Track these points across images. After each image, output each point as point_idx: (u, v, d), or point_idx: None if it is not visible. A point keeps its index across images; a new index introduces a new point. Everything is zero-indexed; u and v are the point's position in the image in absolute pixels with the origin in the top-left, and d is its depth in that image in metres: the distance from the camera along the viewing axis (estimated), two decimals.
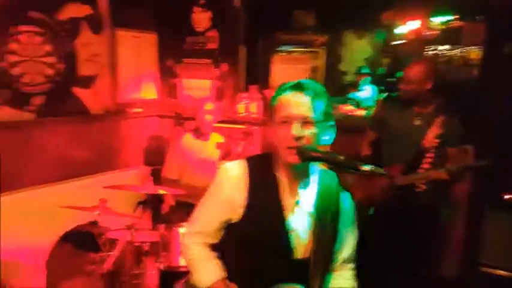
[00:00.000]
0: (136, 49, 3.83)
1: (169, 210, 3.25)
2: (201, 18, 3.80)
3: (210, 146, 3.24)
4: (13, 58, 2.89)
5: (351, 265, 1.54)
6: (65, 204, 2.67)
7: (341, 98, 4.84)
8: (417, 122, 2.59)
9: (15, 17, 2.89)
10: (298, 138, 1.31)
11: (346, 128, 2.92)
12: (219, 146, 3.21)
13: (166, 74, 4.08)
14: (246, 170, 1.44)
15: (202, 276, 1.48)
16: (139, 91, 3.94)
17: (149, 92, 4.04)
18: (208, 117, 3.14)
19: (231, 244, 1.49)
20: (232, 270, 1.48)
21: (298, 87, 1.35)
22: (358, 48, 5.62)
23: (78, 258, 3.16)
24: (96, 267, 3.02)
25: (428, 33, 4.44)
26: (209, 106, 3.15)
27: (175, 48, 3.97)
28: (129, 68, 3.79)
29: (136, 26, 3.79)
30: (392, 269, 2.71)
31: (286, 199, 1.42)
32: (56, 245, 3.13)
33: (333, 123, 1.40)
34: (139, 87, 3.94)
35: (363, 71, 5.32)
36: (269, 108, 1.42)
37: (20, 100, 2.99)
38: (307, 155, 1.30)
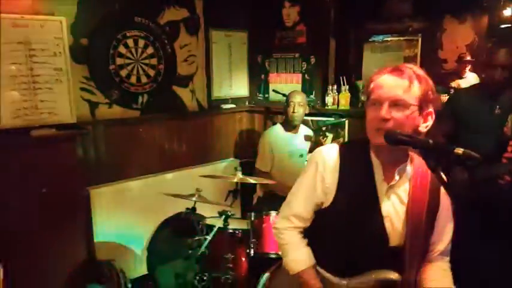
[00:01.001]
0: (228, 47, 4.01)
1: (257, 201, 3.36)
2: (290, 13, 3.84)
3: (299, 139, 3.28)
4: (121, 61, 3.23)
5: (447, 258, 1.48)
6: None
7: (441, 87, 4.54)
8: (497, 110, 2.40)
9: (123, 23, 3.21)
10: (386, 120, 1.28)
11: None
12: (307, 138, 3.24)
13: (256, 70, 4.21)
14: (338, 154, 1.45)
15: (294, 261, 1.51)
16: (231, 87, 4.12)
17: (240, 88, 4.21)
18: (298, 110, 3.17)
19: (323, 230, 1.50)
20: (322, 258, 1.50)
21: (395, 70, 1.33)
22: (458, 34, 5.21)
23: (176, 243, 3.44)
24: (193, 252, 3.26)
25: None
26: (298, 99, 3.19)
27: (265, 44, 4.08)
28: (222, 65, 3.99)
29: (228, 25, 3.97)
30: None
31: (380, 184, 1.40)
32: (156, 230, 3.44)
33: (430, 110, 1.34)
34: (231, 83, 4.12)
35: (465, 58, 4.92)
36: (365, 92, 1.42)
37: (127, 99, 3.33)
38: (394, 138, 1.26)
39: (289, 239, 1.55)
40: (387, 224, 1.39)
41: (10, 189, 2.45)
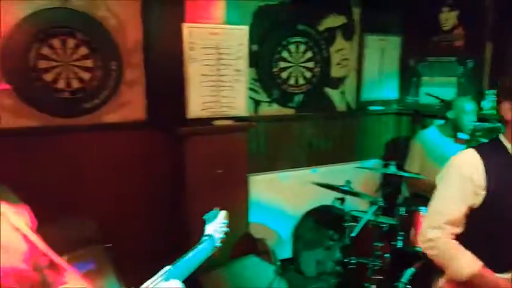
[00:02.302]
0: (381, 51, 4.16)
1: (403, 201, 3.42)
2: (449, 17, 3.82)
3: (453, 143, 3.24)
4: (284, 64, 3.64)
5: None
6: (312, 187, 3.17)
7: None
8: None
9: (288, 30, 3.62)
10: None
11: None
12: (460, 141, 3.21)
13: (407, 73, 4.24)
14: (478, 155, 1.53)
15: (463, 264, 1.50)
16: (381, 90, 4.25)
17: (390, 90, 4.31)
18: (472, 118, 3.12)
19: (475, 232, 1.55)
20: (479, 257, 1.53)
21: None
22: None
23: (320, 233, 3.72)
24: (335, 243, 3.49)
25: None
26: (472, 106, 3.13)
27: (418, 48, 4.10)
28: (373, 69, 4.15)
29: (382, 30, 4.12)
30: None
31: None
32: (302, 219, 3.77)
33: None
34: (381, 86, 4.25)
35: None
36: None
37: (285, 98, 3.74)
38: None
39: (447, 247, 1.55)
40: None
41: (193, 167, 3.00)
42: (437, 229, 1.56)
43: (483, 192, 1.49)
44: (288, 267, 3.66)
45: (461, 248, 1.54)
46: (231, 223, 3.20)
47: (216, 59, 2.90)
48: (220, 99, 2.99)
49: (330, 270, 3.47)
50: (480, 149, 1.56)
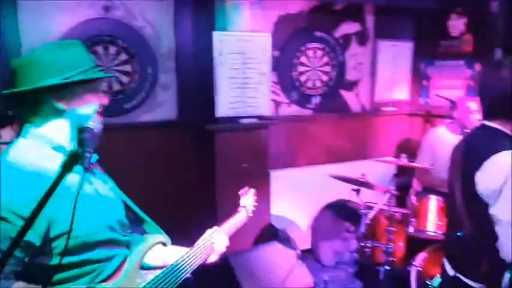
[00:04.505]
0: (393, 56, 4.42)
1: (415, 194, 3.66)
2: (457, 24, 4.05)
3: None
4: (302, 68, 3.93)
5: None
6: (328, 182, 3.42)
7: None
8: None
9: (307, 37, 3.93)
10: None
11: None
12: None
13: (418, 76, 4.49)
14: None
15: None
16: (393, 92, 4.51)
17: (402, 93, 4.56)
18: (473, 115, 3.36)
19: None
20: None
21: None
22: None
23: (337, 225, 3.97)
24: (351, 234, 3.74)
25: None
26: (473, 105, 3.37)
27: (428, 52, 4.33)
28: (386, 72, 4.41)
29: (395, 36, 4.39)
30: None
31: None
32: (319, 212, 4.03)
33: None
34: (393, 88, 4.51)
35: None
36: None
37: (303, 100, 4.03)
38: None
39: None
40: None
41: (222, 160, 3.29)
42: None
43: None
44: (307, 257, 3.90)
45: None
46: (254, 213, 3.52)
47: (242, 63, 3.22)
48: (245, 99, 3.30)
49: (348, 260, 3.71)
50: None
